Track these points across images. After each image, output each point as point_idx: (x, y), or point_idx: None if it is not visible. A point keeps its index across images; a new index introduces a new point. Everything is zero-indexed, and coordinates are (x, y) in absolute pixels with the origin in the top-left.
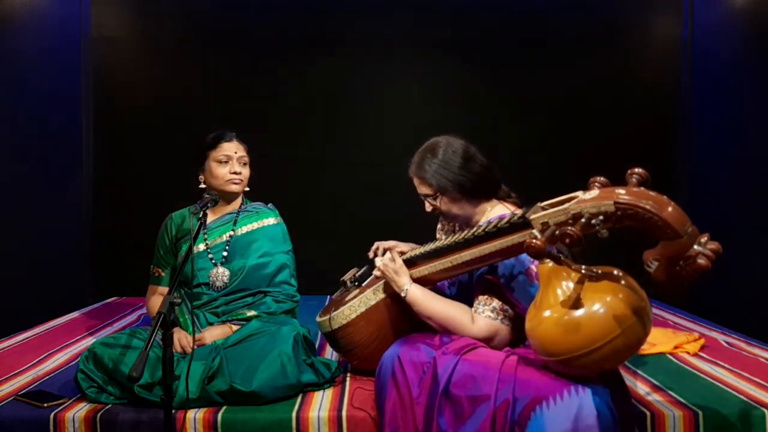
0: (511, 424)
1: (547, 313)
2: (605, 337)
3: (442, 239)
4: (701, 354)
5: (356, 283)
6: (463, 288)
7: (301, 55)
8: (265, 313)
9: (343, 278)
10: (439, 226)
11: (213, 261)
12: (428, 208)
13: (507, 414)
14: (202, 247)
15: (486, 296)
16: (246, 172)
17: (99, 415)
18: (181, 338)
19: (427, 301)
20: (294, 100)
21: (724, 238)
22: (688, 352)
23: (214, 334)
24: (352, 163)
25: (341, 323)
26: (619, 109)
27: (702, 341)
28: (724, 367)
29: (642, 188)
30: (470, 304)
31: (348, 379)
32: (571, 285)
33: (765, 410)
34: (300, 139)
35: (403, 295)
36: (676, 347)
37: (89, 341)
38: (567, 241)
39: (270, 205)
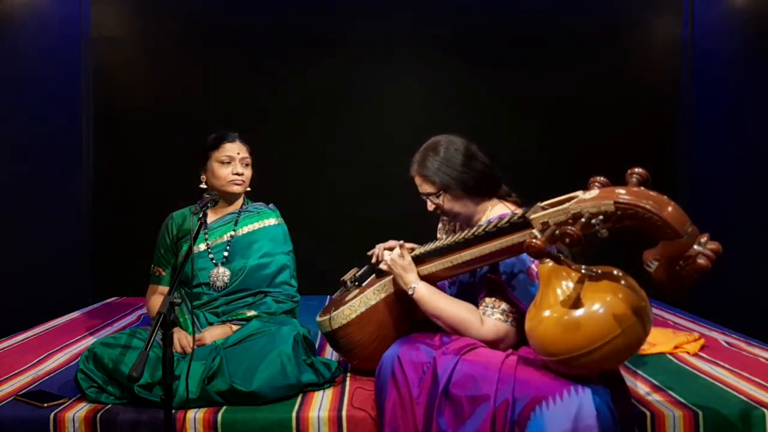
0: (510, 424)
1: (547, 313)
2: (605, 337)
3: (443, 239)
4: (701, 354)
5: (356, 283)
6: (463, 287)
7: (301, 55)
8: (265, 313)
9: (343, 278)
10: (440, 225)
11: (214, 261)
12: (430, 207)
13: (507, 414)
14: (203, 246)
15: (493, 299)
16: (248, 172)
17: (99, 415)
18: (181, 338)
19: (435, 299)
20: (294, 100)
21: (724, 238)
22: (688, 352)
23: (214, 334)
24: (352, 162)
25: (341, 323)
26: (619, 109)
27: (702, 341)
28: (724, 367)
29: (642, 188)
30: (471, 303)
31: (348, 379)
32: (571, 285)
33: (765, 410)
34: (300, 139)
35: (410, 292)
36: (676, 347)
37: (89, 341)
38: (567, 240)
39: (271, 205)
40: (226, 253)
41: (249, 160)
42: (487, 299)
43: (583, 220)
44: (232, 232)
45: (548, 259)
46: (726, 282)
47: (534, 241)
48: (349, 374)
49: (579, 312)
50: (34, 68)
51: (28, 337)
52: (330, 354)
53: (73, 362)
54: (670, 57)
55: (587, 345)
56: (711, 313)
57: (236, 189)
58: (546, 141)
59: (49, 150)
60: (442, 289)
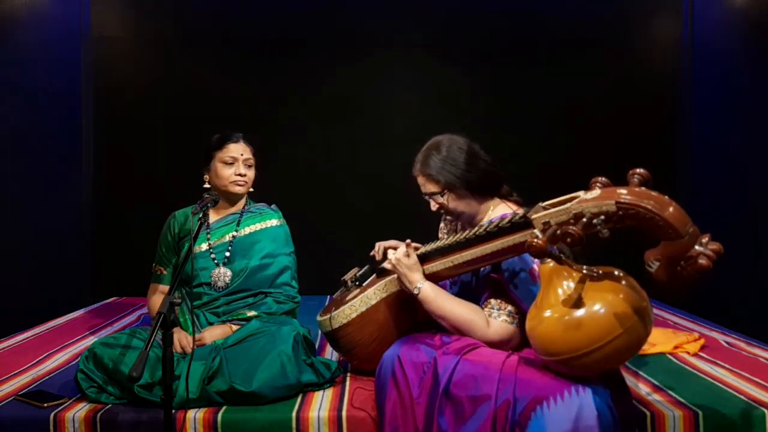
0: (511, 424)
1: (547, 313)
2: (606, 337)
3: (445, 239)
4: (701, 354)
5: (357, 283)
6: (465, 287)
7: (302, 56)
8: (266, 314)
9: (343, 278)
10: (441, 225)
11: (215, 261)
12: (434, 206)
13: (508, 414)
14: (204, 246)
15: (499, 300)
16: (251, 173)
17: (99, 415)
18: (181, 338)
19: (440, 300)
20: (294, 100)
21: (724, 238)
22: (688, 352)
23: (214, 334)
24: (352, 162)
25: (342, 322)
26: (619, 109)
27: (702, 341)
28: (724, 367)
29: (643, 188)
30: (474, 304)
31: (348, 379)
32: (572, 285)
33: (765, 410)
34: (301, 140)
35: (415, 292)
36: (676, 347)
37: (89, 341)
38: (568, 240)
39: (273, 206)
40: (227, 254)
41: (252, 161)
42: (493, 301)
43: (584, 220)
44: (234, 233)
45: (549, 259)
46: (726, 282)
47: (535, 240)
48: (349, 374)
49: (580, 312)
50: (34, 68)
51: (28, 337)
52: (330, 354)
53: (73, 362)
54: (670, 57)
55: (588, 345)
56: (711, 313)
57: (238, 190)
58: (546, 141)
59: (49, 150)
60: (443, 288)
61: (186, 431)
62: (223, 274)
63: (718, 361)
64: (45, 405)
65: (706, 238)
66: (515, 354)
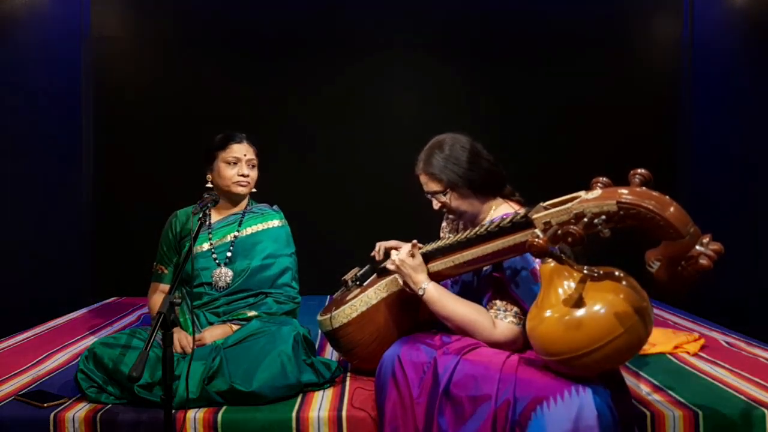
0: (511, 424)
1: (548, 313)
2: (607, 337)
3: (446, 238)
4: (701, 354)
5: (357, 283)
6: (465, 286)
7: (302, 56)
8: (266, 314)
9: (344, 278)
10: (443, 224)
11: (217, 261)
12: (436, 205)
13: (508, 414)
14: (206, 246)
15: (505, 302)
16: (254, 174)
17: (99, 415)
18: (181, 338)
19: (445, 300)
20: (294, 100)
21: (724, 238)
22: (688, 352)
23: (214, 333)
24: (352, 162)
25: (342, 322)
26: (619, 109)
27: (702, 341)
28: (724, 367)
29: (644, 188)
30: (476, 303)
31: (348, 379)
32: (573, 285)
33: (765, 410)
34: (300, 139)
35: (420, 293)
36: (676, 347)
37: (89, 341)
38: (569, 240)
39: (275, 207)
40: (229, 254)
41: (255, 162)
42: (499, 302)
43: (585, 219)
44: (236, 233)
45: (550, 259)
46: (726, 282)
47: (536, 240)
48: (349, 374)
49: (580, 312)
50: (34, 68)
51: (28, 337)
52: (330, 354)
53: (73, 362)
54: (670, 57)
55: (588, 345)
56: (711, 313)
57: (241, 190)
58: (546, 141)
59: (49, 150)
60: (444, 287)
61: (186, 431)
62: (224, 274)
63: (718, 361)
64: (45, 405)
65: (707, 239)
66: (515, 354)
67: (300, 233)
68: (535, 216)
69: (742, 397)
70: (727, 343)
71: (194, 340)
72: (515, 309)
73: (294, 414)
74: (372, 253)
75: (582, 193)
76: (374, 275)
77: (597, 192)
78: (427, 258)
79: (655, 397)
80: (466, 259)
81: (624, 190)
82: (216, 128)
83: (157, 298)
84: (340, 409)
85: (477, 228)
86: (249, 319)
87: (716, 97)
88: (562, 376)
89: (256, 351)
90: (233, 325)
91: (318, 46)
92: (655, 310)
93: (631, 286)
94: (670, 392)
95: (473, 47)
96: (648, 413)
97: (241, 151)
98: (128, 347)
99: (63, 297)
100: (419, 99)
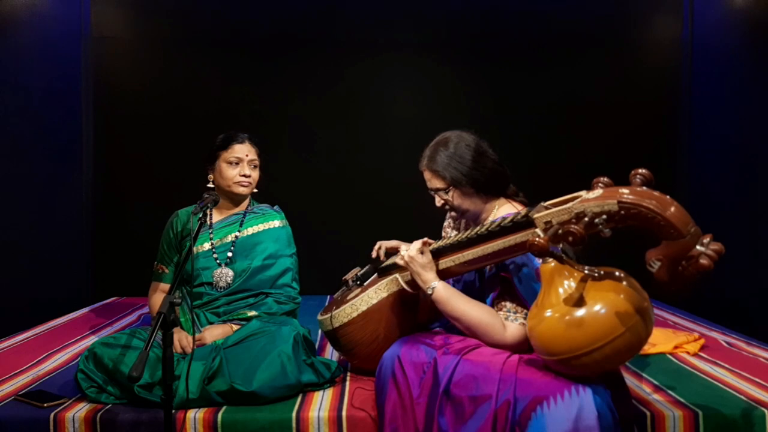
0: (512, 424)
1: (548, 313)
2: (607, 337)
3: (449, 237)
4: (701, 354)
5: (358, 282)
6: (468, 286)
7: (302, 56)
8: (266, 314)
9: (344, 277)
10: (445, 224)
11: (217, 261)
12: (438, 202)
13: (508, 414)
14: (207, 246)
15: (514, 304)
16: (256, 174)
17: (99, 415)
18: (182, 338)
19: (455, 300)
20: (295, 100)
21: (724, 238)
22: (688, 352)
23: (214, 333)
24: (353, 162)
25: (342, 321)
26: (619, 108)
27: (702, 341)
28: (724, 367)
29: (645, 188)
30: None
31: (348, 379)
32: (573, 284)
33: (765, 410)
34: (300, 139)
35: (429, 292)
36: (676, 347)
37: (89, 341)
38: (570, 239)
39: (276, 207)
40: (229, 254)
41: (257, 162)
42: (509, 304)
43: (586, 219)
44: (237, 233)
45: (551, 259)
46: (726, 282)
47: (537, 240)
48: (349, 374)
49: (581, 311)
50: (34, 68)
51: (28, 337)
52: (330, 354)
53: (73, 362)
54: (670, 57)
55: (589, 344)
56: (711, 313)
57: (242, 190)
58: (546, 141)
59: (49, 150)
60: None
61: (186, 431)
62: (225, 274)
63: (718, 361)
64: (45, 405)
65: (708, 238)
66: (515, 354)
67: (300, 233)
68: (536, 215)
69: (742, 397)
70: (727, 343)
71: (194, 340)
72: (525, 311)
73: (294, 414)
74: (372, 253)
75: (583, 193)
76: (375, 275)
77: (598, 191)
78: (432, 256)
79: (655, 397)
80: (466, 259)
81: (625, 190)
82: (216, 128)
83: (158, 298)
84: (340, 409)
85: (477, 228)
86: (249, 319)
87: (716, 96)
88: (562, 376)
89: (256, 351)
90: (233, 325)
91: (318, 46)
92: (655, 310)
93: (631, 286)
94: (670, 392)
95: (473, 47)
96: (648, 413)
97: (243, 151)
98: (128, 347)
99: (63, 297)
100: (419, 99)
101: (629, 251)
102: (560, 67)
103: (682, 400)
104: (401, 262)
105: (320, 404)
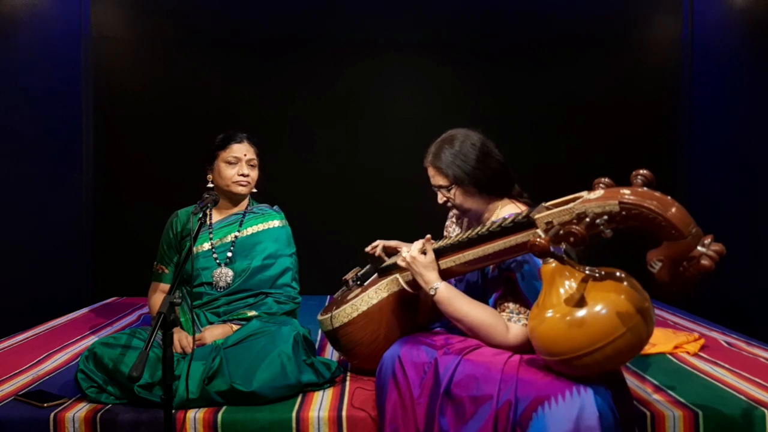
0: (513, 424)
1: (549, 313)
2: (608, 337)
3: (451, 236)
4: (701, 354)
5: (358, 282)
6: (470, 286)
7: (302, 56)
8: (266, 314)
9: (345, 277)
10: (447, 223)
11: (217, 261)
12: (440, 199)
13: (509, 414)
14: (206, 246)
15: (517, 305)
16: (254, 174)
17: (99, 415)
18: (182, 338)
19: (458, 301)
20: (295, 100)
21: (724, 238)
22: (688, 352)
23: (214, 333)
24: (353, 162)
25: (342, 321)
26: (619, 109)
27: (702, 341)
28: (724, 367)
29: (646, 189)
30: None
31: (348, 379)
32: (574, 285)
33: (765, 410)
34: (301, 139)
35: (431, 293)
36: (676, 347)
37: (89, 341)
38: (571, 240)
39: (276, 207)
40: (229, 254)
41: (256, 162)
42: (512, 305)
43: (587, 220)
44: (237, 233)
45: (552, 259)
46: (726, 282)
47: (538, 240)
48: (349, 374)
49: (582, 312)
50: (34, 68)
51: (28, 337)
52: (330, 354)
53: (73, 362)
54: (670, 57)
55: (590, 345)
56: (711, 313)
57: (241, 190)
58: (546, 141)
59: (49, 150)
60: None
61: (186, 431)
62: (224, 274)
63: (718, 361)
64: (45, 405)
65: (709, 239)
66: (516, 354)
67: (300, 233)
68: (537, 216)
69: (742, 397)
70: (727, 343)
71: (194, 340)
72: (528, 312)
73: (294, 414)
74: (367, 248)
75: (584, 194)
76: (375, 275)
77: (599, 192)
78: (445, 254)
79: (655, 397)
80: (467, 259)
81: (626, 191)
82: (216, 128)
83: (158, 298)
84: (340, 409)
85: (478, 228)
86: (249, 319)
87: (716, 96)
88: (563, 376)
89: (256, 351)
90: (233, 325)
91: (318, 46)
92: (656, 310)
93: (632, 287)
94: (670, 392)
95: (473, 47)
96: (648, 413)
97: (242, 150)
98: (128, 347)
99: (63, 297)
100: (419, 99)
101: (630, 252)
102: (560, 67)
103: (682, 400)
104: (403, 264)
105: (320, 404)
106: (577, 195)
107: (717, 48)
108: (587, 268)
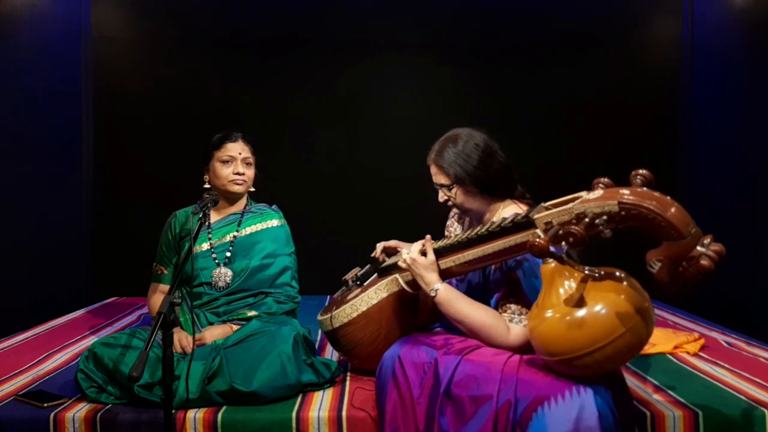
0: (512, 424)
1: (549, 313)
2: (608, 337)
3: (452, 236)
4: (701, 354)
5: (358, 283)
6: (471, 287)
7: (302, 56)
8: (266, 314)
9: (344, 277)
10: (448, 223)
11: (216, 261)
12: (441, 198)
13: (509, 414)
14: (205, 246)
15: (519, 306)
16: (250, 172)
17: (99, 415)
18: (182, 338)
19: (458, 302)
20: (295, 100)
21: (724, 238)
22: (688, 352)
23: (214, 333)
24: (353, 162)
25: (342, 322)
26: (619, 108)
27: (702, 341)
28: (724, 367)
29: (646, 189)
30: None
31: (348, 379)
32: (574, 285)
33: (765, 410)
34: (301, 139)
35: (432, 294)
36: (676, 347)
37: (89, 341)
38: (570, 240)
39: (274, 206)
40: (228, 254)
41: (251, 160)
42: (513, 306)
43: (586, 220)
44: (235, 233)
45: (551, 259)
46: (726, 282)
47: (537, 240)
48: (349, 374)
49: (582, 312)
50: (34, 67)
51: (28, 337)
52: (330, 354)
53: (73, 362)
54: (670, 57)
55: (589, 345)
56: (711, 313)
57: (237, 188)
58: (546, 141)
59: (49, 150)
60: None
61: (186, 431)
62: (223, 274)
63: (718, 361)
64: (45, 405)
65: (709, 239)
66: (516, 354)
67: (300, 233)
68: (536, 216)
69: (742, 397)
70: (727, 343)
71: (194, 340)
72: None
73: (294, 414)
74: (373, 254)
75: (583, 194)
76: (375, 275)
77: (599, 192)
78: (445, 254)
79: (655, 397)
80: (467, 259)
81: (625, 191)
82: (216, 128)
83: (157, 299)
84: (340, 409)
85: (478, 228)
86: (249, 319)
87: (716, 96)
88: (563, 376)
89: (256, 351)
90: (233, 325)
91: (318, 46)
92: (655, 310)
93: (632, 287)
94: (670, 392)
95: (473, 47)
96: (648, 413)
97: (236, 149)
98: (128, 347)
99: (63, 297)
100: (419, 99)
101: (630, 252)
102: (560, 67)
103: (682, 400)
104: (403, 265)
105: (320, 404)
106: (576, 195)
107: (717, 48)
108: (587, 268)
